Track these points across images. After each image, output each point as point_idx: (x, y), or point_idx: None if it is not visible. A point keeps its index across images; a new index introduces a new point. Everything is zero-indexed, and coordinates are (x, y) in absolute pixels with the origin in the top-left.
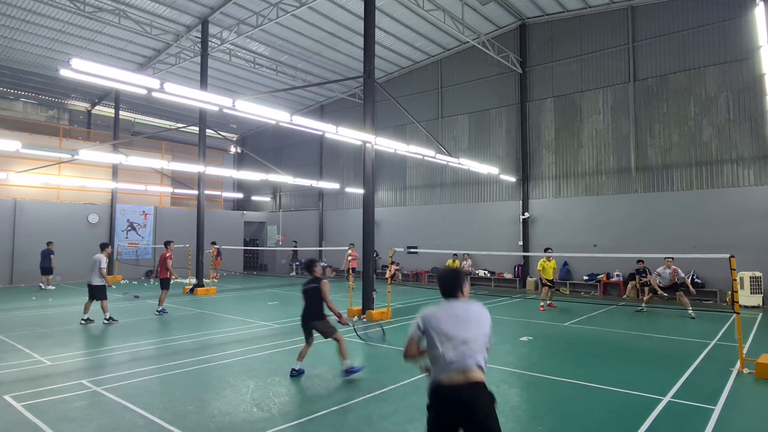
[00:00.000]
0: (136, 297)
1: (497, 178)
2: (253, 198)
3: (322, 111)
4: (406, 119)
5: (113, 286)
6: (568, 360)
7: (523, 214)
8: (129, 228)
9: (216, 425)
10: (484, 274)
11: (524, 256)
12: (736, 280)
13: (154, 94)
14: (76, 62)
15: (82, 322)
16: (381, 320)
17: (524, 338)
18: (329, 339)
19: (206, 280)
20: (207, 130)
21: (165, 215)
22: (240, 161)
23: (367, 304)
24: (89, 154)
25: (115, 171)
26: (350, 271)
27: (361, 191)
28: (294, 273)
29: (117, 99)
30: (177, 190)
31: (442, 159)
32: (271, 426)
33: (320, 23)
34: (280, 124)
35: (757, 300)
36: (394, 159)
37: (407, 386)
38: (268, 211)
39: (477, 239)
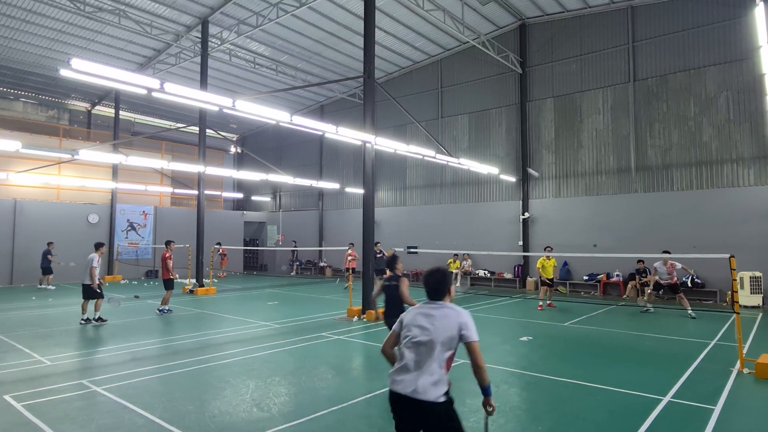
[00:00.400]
0: (136, 297)
1: (497, 178)
2: (253, 198)
3: (322, 111)
4: (406, 119)
5: (99, 290)
6: (568, 360)
7: (523, 214)
8: (129, 228)
9: (216, 425)
10: (484, 274)
11: (524, 256)
12: (736, 280)
13: (154, 94)
14: (76, 62)
15: (82, 322)
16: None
17: (524, 338)
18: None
19: (206, 280)
20: (207, 130)
21: (165, 215)
22: (240, 161)
23: (368, 304)
24: (89, 154)
25: (115, 171)
26: (350, 271)
27: (361, 191)
28: (294, 273)
29: (117, 99)
30: (177, 190)
31: (442, 159)
32: (271, 426)
33: (320, 23)
34: (280, 124)
35: (757, 300)
36: (394, 159)
37: None
38: (268, 211)
39: (477, 239)
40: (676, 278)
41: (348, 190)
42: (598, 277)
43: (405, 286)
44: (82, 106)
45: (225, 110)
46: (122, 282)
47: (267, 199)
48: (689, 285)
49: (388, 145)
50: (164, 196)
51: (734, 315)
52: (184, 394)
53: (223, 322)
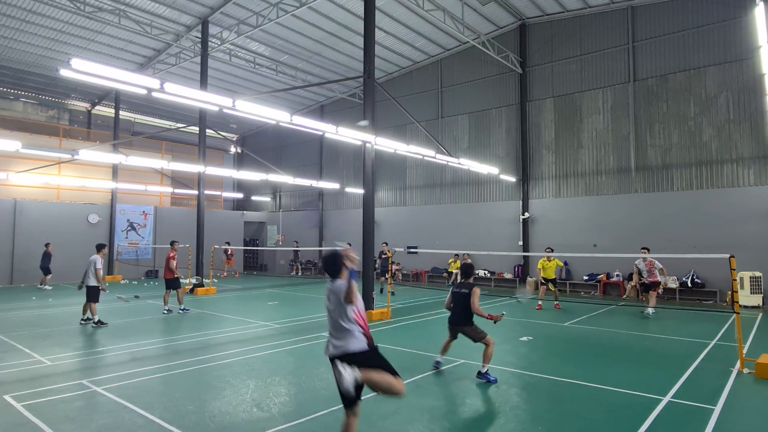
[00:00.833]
0: (137, 297)
1: (497, 178)
2: (253, 198)
3: (322, 111)
4: (406, 119)
5: (107, 290)
6: (568, 360)
7: (523, 214)
8: (129, 228)
9: (216, 425)
10: (484, 274)
11: (524, 256)
12: (736, 280)
13: (154, 94)
14: (76, 62)
15: (82, 322)
16: (381, 320)
17: (524, 338)
18: (477, 343)
19: (206, 280)
20: (207, 130)
21: (165, 215)
22: (240, 161)
23: (367, 304)
24: (89, 154)
25: (115, 171)
26: None
27: (361, 191)
28: (294, 273)
29: (117, 99)
30: (177, 190)
31: (442, 159)
32: (271, 426)
33: (320, 23)
34: (280, 124)
35: (757, 300)
36: (394, 159)
37: (407, 386)
38: (268, 211)
39: (477, 239)
40: (657, 277)
41: (348, 190)
42: (598, 277)
43: (477, 296)
44: (82, 106)
45: (225, 110)
46: (122, 282)
47: (267, 199)
48: (689, 285)
49: (388, 145)
50: (164, 196)
51: (734, 315)
52: (184, 394)
53: (223, 322)
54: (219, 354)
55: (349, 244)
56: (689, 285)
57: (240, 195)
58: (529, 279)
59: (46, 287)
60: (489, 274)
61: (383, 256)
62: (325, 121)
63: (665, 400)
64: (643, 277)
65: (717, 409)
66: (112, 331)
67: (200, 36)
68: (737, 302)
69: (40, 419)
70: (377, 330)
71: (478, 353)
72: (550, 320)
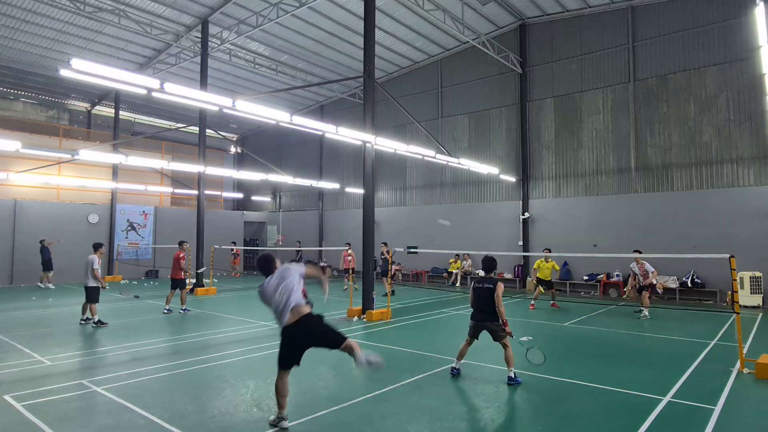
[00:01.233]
0: (137, 297)
1: (497, 178)
2: (253, 198)
3: (322, 111)
4: (406, 119)
5: (107, 287)
6: (568, 360)
7: (523, 214)
8: (129, 228)
9: (216, 425)
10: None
11: (524, 256)
12: (736, 280)
13: (154, 94)
14: (76, 62)
15: (82, 322)
16: (381, 320)
17: (524, 338)
18: (497, 342)
19: (206, 280)
20: (207, 130)
21: (165, 215)
22: (240, 161)
23: (368, 304)
24: (89, 154)
25: (115, 171)
26: (350, 271)
27: (361, 191)
28: None
29: (117, 99)
30: (177, 190)
31: (442, 159)
32: (271, 426)
33: (320, 23)
34: (280, 124)
35: (757, 300)
36: (394, 159)
37: (407, 386)
38: (268, 211)
39: (477, 239)
40: (651, 279)
41: (348, 190)
42: (598, 277)
43: (501, 290)
44: (82, 106)
45: (225, 110)
46: (122, 282)
47: (267, 199)
48: (689, 285)
49: (388, 145)
50: (164, 196)
51: (734, 315)
52: (184, 394)
53: (223, 322)
54: (219, 354)
55: (348, 244)
56: (689, 285)
57: (240, 195)
58: (528, 279)
59: (49, 285)
60: None
61: (382, 257)
62: (325, 121)
63: (665, 400)
64: (638, 279)
65: (717, 409)
66: (112, 331)
67: (200, 36)
68: (737, 302)
69: (40, 419)
70: (377, 330)
71: (479, 353)
72: (550, 320)
